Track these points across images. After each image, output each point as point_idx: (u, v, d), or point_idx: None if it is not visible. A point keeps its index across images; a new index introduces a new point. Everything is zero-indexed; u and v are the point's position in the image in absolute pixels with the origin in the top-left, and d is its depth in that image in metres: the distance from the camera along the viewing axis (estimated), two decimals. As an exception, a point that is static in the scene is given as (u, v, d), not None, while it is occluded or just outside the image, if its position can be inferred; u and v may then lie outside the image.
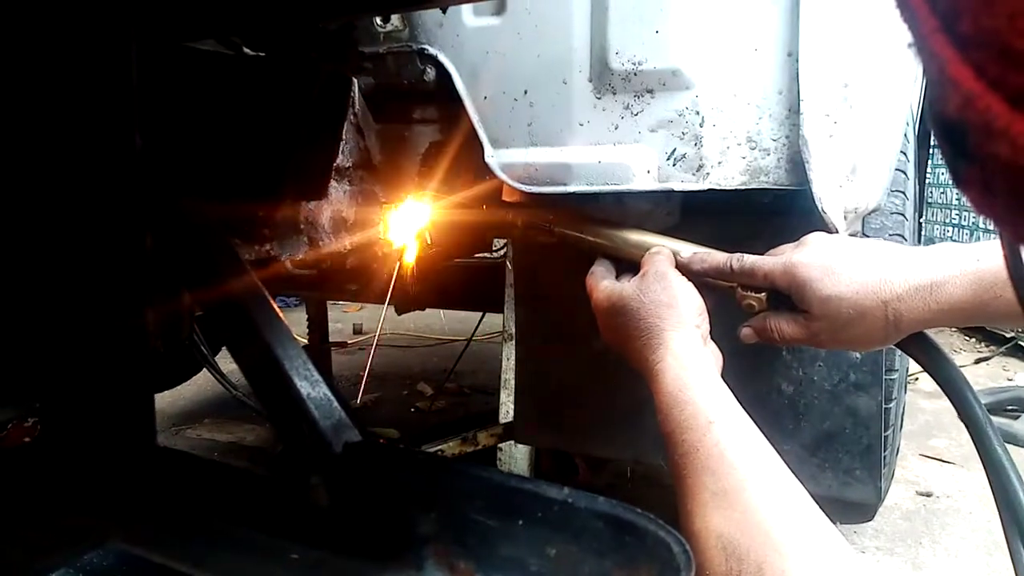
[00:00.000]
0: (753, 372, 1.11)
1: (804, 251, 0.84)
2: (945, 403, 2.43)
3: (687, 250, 0.94)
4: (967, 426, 0.79)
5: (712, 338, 0.88)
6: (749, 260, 0.88)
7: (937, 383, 0.83)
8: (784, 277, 0.84)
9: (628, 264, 0.98)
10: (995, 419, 0.83)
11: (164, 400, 2.58)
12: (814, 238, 0.86)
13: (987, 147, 0.23)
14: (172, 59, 0.89)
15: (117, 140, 0.78)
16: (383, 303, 1.39)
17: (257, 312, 0.74)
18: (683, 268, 0.92)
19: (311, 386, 0.68)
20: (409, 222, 1.22)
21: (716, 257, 0.91)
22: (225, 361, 2.12)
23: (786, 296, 0.86)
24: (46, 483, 0.79)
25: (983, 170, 0.25)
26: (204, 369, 2.33)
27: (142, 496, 0.76)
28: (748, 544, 0.62)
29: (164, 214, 0.82)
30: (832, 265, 0.81)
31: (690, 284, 0.88)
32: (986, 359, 3.37)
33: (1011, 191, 0.24)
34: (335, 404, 0.68)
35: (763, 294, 0.88)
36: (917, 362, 0.84)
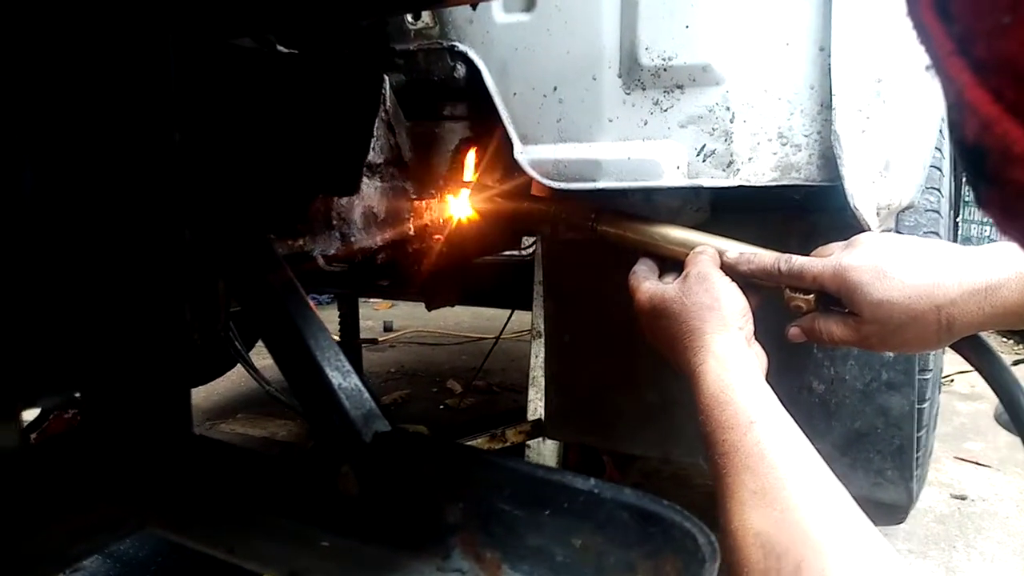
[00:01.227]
0: (785, 370, 1.10)
1: (854, 253, 0.83)
2: (981, 406, 2.39)
3: (733, 249, 0.93)
4: (1018, 427, 0.77)
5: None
6: (798, 262, 0.87)
7: (990, 385, 0.81)
8: (834, 280, 0.82)
9: (671, 263, 0.97)
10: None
11: (198, 395, 2.63)
12: (864, 239, 0.84)
13: (1006, 172, 0.23)
14: (209, 56, 0.91)
15: (156, 135, 0.80)
16: (414, 300, 1.40)
17: (291, 304, 0.75)
18: (729, 268, 0.91)
19: (342, 377, 0.69)
20: (443, 215, 1.23)
21: (763, 258, 0.90)
22: (259, 357, 2.15)
23: (835, 298, 0.85)
24: (85, 471, 0.81)
25: (1003, 193, 0.24)
26: (238, 365, 2.37)
27: (178, 484, 0.78)
28: (787, 542, 0.62)
29: (201, 209, 0.83)
30: (883, 268, 0.79)
31: (734, 285, 0.87)
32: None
33: None
34: (365, 395, 0.69)
35: (811, 296, 0.87)
36: (970, 363, 0.82)
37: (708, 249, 0.93)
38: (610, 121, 0.98)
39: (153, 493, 0.78)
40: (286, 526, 0.68)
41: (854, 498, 0.67)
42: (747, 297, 0.87)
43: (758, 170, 0.93)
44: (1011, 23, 0.21)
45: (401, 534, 0.64)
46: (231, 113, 0.96)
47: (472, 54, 1.04)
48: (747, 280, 0.90)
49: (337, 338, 2.34)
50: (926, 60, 0.26)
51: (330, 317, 2.57)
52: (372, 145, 1.09)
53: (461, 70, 1.08)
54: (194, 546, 0.69)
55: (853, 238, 0.86)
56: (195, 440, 0.83)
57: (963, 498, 1.94)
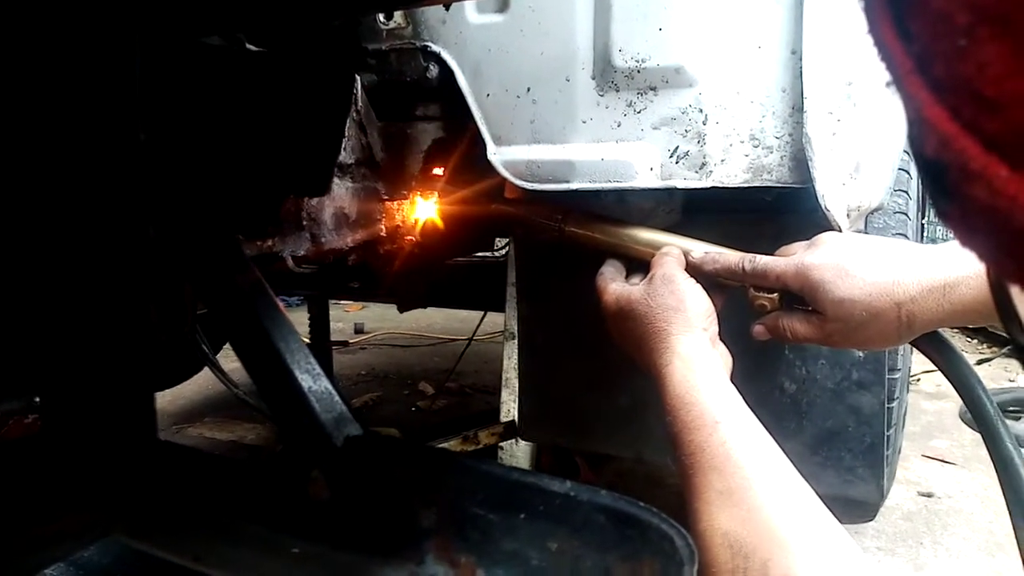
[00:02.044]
0: (756, 371, 1.11)
1: (816, 252, 0.84)
2: (946, 404, 2.43)
3: (699, 249, 0.94)
4: (979, 425, 0.78)
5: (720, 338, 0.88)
6: (761, 261, 0.88)
7: (950, 382, 0.82)
8: (797, 279, 0.84)
9: (638, 263, 0.98)
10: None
11: (165, 399, 2.58)
12: (826, 238, 0.86)
13: (964, 187, 0.23)
14: (176, 54, 0.89)
15: (121, 134, 0.78)
16: (385, 301, 1.38)
17: (260, 306, 0.74)
18: (694, 268, 0.92)
19: (312, 380, 0.68)
20: (413, 218, 1.22)
21: (728, 258, 0.91)
22: (227, 360, 2.12)
23: (799, 297, 0.86)
24: (47, 477, 0.79)
25: (962, 208, 0.25)
26: (205, 368, 2.33)
27: (143, 490, 0.76)
28: (754, 542, 0.62)
29: (167, 208, 0.82)
30: (845, 267, 0.80)
31: (698, 286, 0.88)
32: (988, 360, 3.36)
33: (990, 231, 0.24)
34: (336, 398, 0.68)
35: (775, 294, 0.88)
36: (931, 360, 0.84)
37: (673, 250, 0.94)
38: (584, 122, 0.98)
39: (117, 500, 0.77)
40: (255, 532, 0.67)
41: (826, 496, 0.68)
42: (712, 298, 0.88)
43: (730, 172, 0.94)
44: (967, 45, 0.21)
45: (374, 539, 0.63)
46: (199, 112, 0.95)
47: (445, 54, 1.04)
48: (712, 280, 0.91)
49: (307, 340, 2.31)
50: (886, 76, 0.26)
51: (300, 319, 2.54)
52: (343, 145, 1.08)
53: (434, 70, 1.07)
54: (160, 554, 0.67)
55: (815, 238, 0.87)
56: (161, 445, 0.81)
57: (930, 495, 1.97)
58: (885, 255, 0.81)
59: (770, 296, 0.88)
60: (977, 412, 0.79)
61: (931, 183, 0.26)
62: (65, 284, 0.78)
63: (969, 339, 3.73)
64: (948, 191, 0.25)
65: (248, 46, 1.02)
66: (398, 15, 1.05)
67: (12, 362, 0.81)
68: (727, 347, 0.88)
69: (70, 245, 0.78)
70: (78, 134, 0.77)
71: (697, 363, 0.79)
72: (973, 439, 2.31)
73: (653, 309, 0.85)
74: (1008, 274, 0.26)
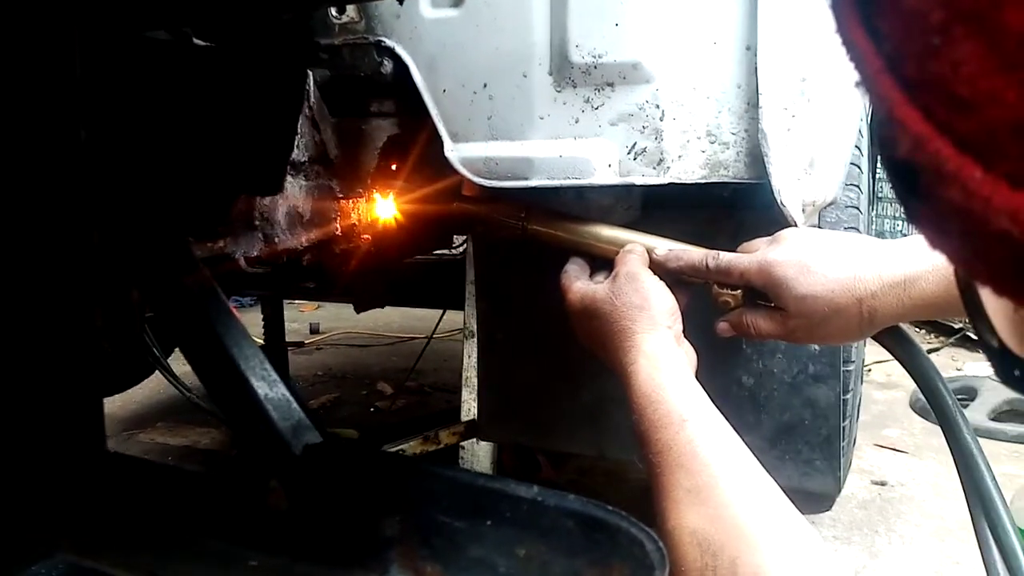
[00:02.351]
0: (714, 366, 1.12)
1: (778, 249, 0.85)
2: (897, 394, 2.49)
3: (662, 246, 0.94)
4: (938, 416, 0.80)
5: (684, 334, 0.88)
6: (725, 258, 0.88)
7: (909, 373, 0.84)
8: (760, 276, 0.84)
9: (602, 261, 0.97)
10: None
11: (114, 404, 2.51)
12: (788, 234, 0.86)
13: (938, 190, 0.23)
14: (118, 49, 0.86)
15: (60, 133, 0.74)
16: (341, 301, 1.36)
17: (211, 311, 0.72)
18: (657, 265, 0.92)
19: (268, 387, 0.66)
20: (370, 217, 1.20)
21: (691, 254, 0.91)
22: (178, 363, 2.07)
23: (762, 293, 0.86)
24: (-12, 493, 0.75)
25: (935, 210, 0.24)
26: (156, 371, 2.27)
27: (92, 504, 0.73)
28: (722, 539, 0.63)
29: (112, 210, 0.78)
30: (807, 263, 0.81)
31: (662, 284, 0.88)
32: (936, 350, 3.46)
33: (963, 232, 0.24)
34: (294, 405, 0.66)
35: (738, 291, 0.88)
36: (891, 353, 0.86)
37: (637, 248, 0.94)
38: (541, 119, 0.97)
39: (64, 515, 0.73)
40: (212, 546, 0.65)
41: (784, 489, 0.69)
42: (676, 295, 0.88)
43: (688, 168, 0.94)
44: (941, 44, 0.21)
45: (336, 550, 0.62)
46: (145, 109, 0.91)
47: (399, 49, 1.02)
48: (676, 277, 0.91)
49: (261, 342, 2.27)
50: (855, 76, 0.25)
51: (253, 320, 2.50)
52: (296, 142, 1.06)
53: (388, 66, 1.05)
54: (111, 572, 0.65)
55: (777, 234, 0.88)
56: (110, 456, 0.78)
57: (883, 484, 2.02)
58: (846, 251, 0.82)
59: (733, 293, 0.89)
60: (936, 403, 0.80)
61: (902, 185, 0.26)
62: (6, 289, 0.75)
63: (917, 329, 3.83)
64: (920, 193, 0.24)
65: (196, 41, 0.99)
66: (351, 9, 1.03)
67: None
68: (691, 343, 0.88)
69: (11, 249, 0.75)
70: (16, 133, 0.74)
71: (663, 361, 0.79)
72: (924, 427, 2.38)
73: (618, 308, 0.85)
74: (979, 276, 0.26)
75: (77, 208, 0.75)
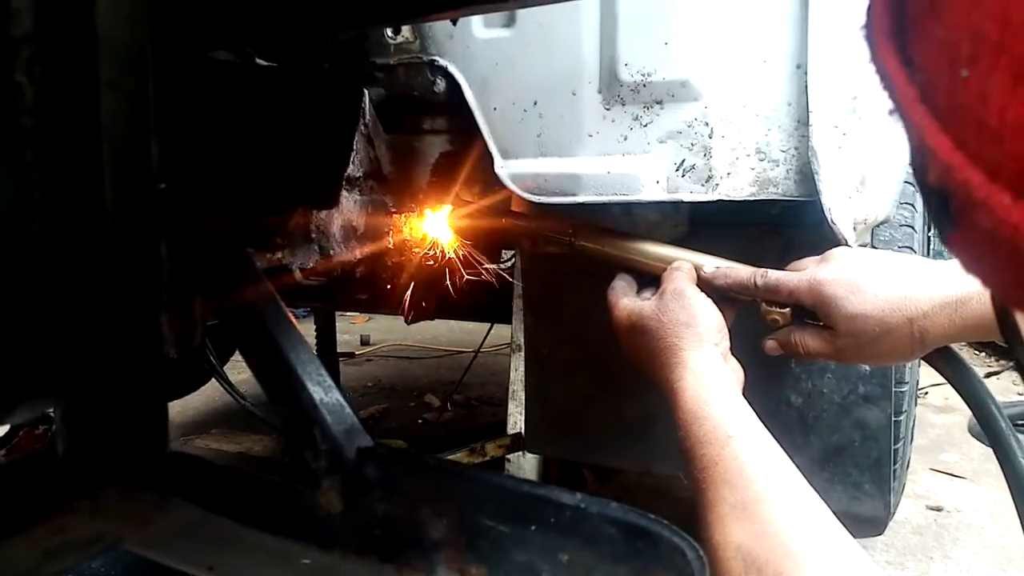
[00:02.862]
0: (762, 384, 1.11)
1: (828, 267, 0.84)
2: (955, 418, 2.41)
3: (710, 264, 0.94)
4: (991, 440, 0.78)
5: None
6: (773, 276, 0.88)
7: (962, 397, 0.83)
8: (809, 295, 0.84)
9: (649, 278, 0.98)
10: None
11: (173, 410, 2.56)
12: (838, 253, 0.86)
13: (968, 216, 0.23)
14: (187, 68, 0.91)
15: (134, 148, 0.79)
16: (392, 314, 1.39)
17: (271, 318, 0.74)
18: (705, 283, 0.92)
19: (324, 392, 0.68)
20: (422, 232, 1.22)
21: (739, 272, 0.91)
22: (234, 372, 2.13)
23: (810, 312, 0.86)
24: (58, 488, 0.79)
25: (966, 236, 0.25)
26: (212, 379, 2.33)
27: (154, 501, 0.77)
28: (767, 555, 0.63)
29: (179, 222, 0.82)
30: (857, 282, 0.81)
31: (709, 301, 0.88)
32: (996, 373, 3.35)
33: (993, 257, 0.24)
34: (347, 410, 0.68)
35: (787, 309, 0.88)
36: (942, 375, 0.84)
37: (684, 264, 0.94)
38: (590, 136, 0.99)
39: (129, 510, 0.77)
40: (267, 543, 0.67)
41: (833, 512, 0.68)
42: (723, 312, 0.88)
43: (737, 185, 0.94)
44: (970, 75, 0.22)
45: (385, 551, 0.63)
46: (209, 126, 0.95)
47: (452, 68, 1.05)
48: (723, 294, 0.91)
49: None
50: (888, 104, 0.26)
51: (307, 331, 2.55)
52: (352, 159, 1.09)
53: (441, 84, 1.08)
54: (172, 564, 0.68)
55: (827, 252, 0.87)
56: (172, 456, 0.81)
57: (939, 509, 1.96)
58: (897, 270, 0.82)
59: (782, 311, 0.88)
60: (989, 427, 0.79)
61: (935, 209, 0.26)
62: (79, 296, 0.79)
63: (976, 352, 3.72)
64: (952, 219, 0.25)
65: (258, 60, 1.03)
66: (406, 30, 1.06)
67: (26, 374, 0.82)
68: (738, 361, 0.88)
69: (83, 257, 0.79)
70: (92, 147, 0.78)
71: (709, 378, 0.79)
72: (982, 453, 2.30)
73: (664, 324, 0.86)
74: (1011, 299, 0.27)
75: (148, 219, 0.80)
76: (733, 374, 0.84)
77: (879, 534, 1.25)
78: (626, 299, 0.94)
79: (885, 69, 0.26)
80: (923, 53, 0.24)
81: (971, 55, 0.22)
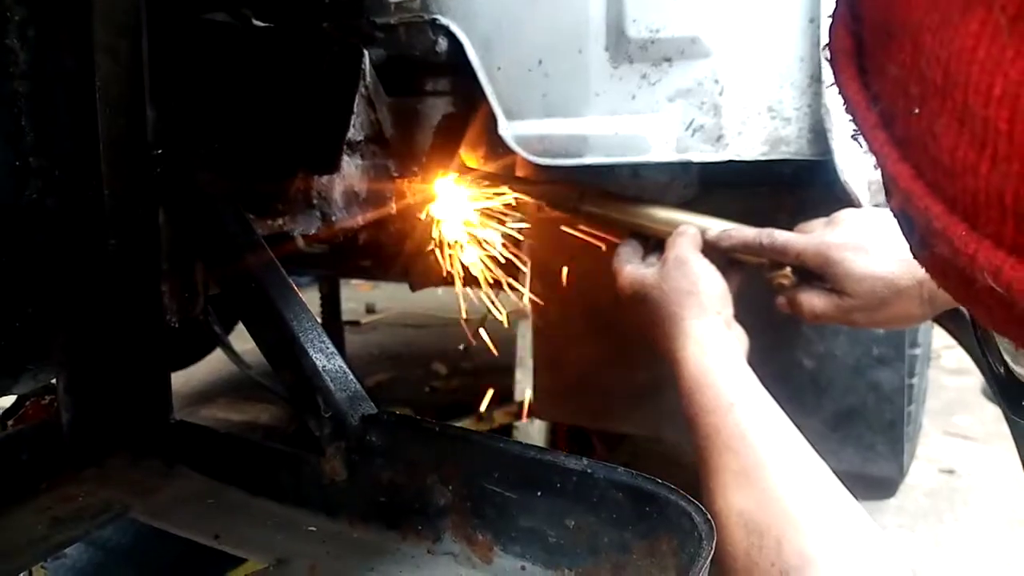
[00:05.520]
0: (774, 348, 1.10)
1: (836, 230, 0.83)
2: (968, 381, 2.40)
3: (717, 227, 0.92)
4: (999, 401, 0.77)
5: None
6: (780, 237, 0.87)
7: (971, 357, 0.81)
8: (816, 257, 0.83)
9: (656, 242, 0.96)
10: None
11: (177, 380, 2.56)
12: (845, 215, 0.85)
13: (929, 242, 0.24)
14: (183, 31, 0.88)
15: (129, 112, 0.77)
16: (396, 280, 1.38)
17: (272, 286, 0.74)
18: (711, 246, 0.90)
19: (327, 359, 0.67)
20: (426, 197, 1.21)
21: (745, 233, 0.90)
22: (238, 341, 2.13)
23: (817, 275, 0.84)
24: (65, 458, 0.79)
25: (931, 258, 0.26)
26: (217, 349, 2.33)
27: (160, 470, 0.76)
28: (768, 521, 0.63)
29: (177, 188, 0.81)
30: (865, 244, 0.80)
31: (713, 268, 0.87)
32: (1007, 336, 3.33)
33: (957, 283, 0.25)
34: (350, 377, 0.68)
35: (793, 271, 0.87)
36: (953, 337, 0.83)
37: (689, 229, 0.92)
38: (597, 95, 0.96)
39: (135, 478, 0.77)
40: (272, 511, 0.67)
41: (845, 474, 0.69)
42: (729, 278, 0.87)
43: (748, 144, 0.92)
44: (920, 114, 0.22)
45: (390, 517, 0.63)
46: (206, 89, 0.93)
47: (455, 27, 1.02)
48: (729, 257, 0.90)
49: (319, 320, 2.31)
50: (851, 127, 0.27)
51: (311, 299, 2.54)
52: (352, 122, 1.07)
53: (443, 44, 1.05)
54: (179, 532, 0.68)
55: (834, 215, 0.86)
56: (177, 425, 0.81)
57: (951, 472, 1.96)
58: None
59: (787, 275, 0.87)
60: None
61: (903, 230, 0.27)
62: (79, 267, 0.78)
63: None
64: (917, 240, 0.26)
65: (255, 22, 1.01)
66: (406, -12, 1.03)
67: (31, 345, 0.81)
68: (744, 325, 0.87)
69: (83, 227, 0.78)
70: (86, 113, 0.76)
71: (711, 346, 0.79)
72: (996, 415, 2.28)
73: (666, 293, 0.85)
74: (979, 317, 0.27)
75: (144, 187, 0.78)
76: (737, 341, 0.84)
77: (891, 496, 1.25)
78: (629, 267, 0.93)
79: (848, 94, 0.26)
80: (879, 84, 0.25)
81: (920, 96, 0.22)
